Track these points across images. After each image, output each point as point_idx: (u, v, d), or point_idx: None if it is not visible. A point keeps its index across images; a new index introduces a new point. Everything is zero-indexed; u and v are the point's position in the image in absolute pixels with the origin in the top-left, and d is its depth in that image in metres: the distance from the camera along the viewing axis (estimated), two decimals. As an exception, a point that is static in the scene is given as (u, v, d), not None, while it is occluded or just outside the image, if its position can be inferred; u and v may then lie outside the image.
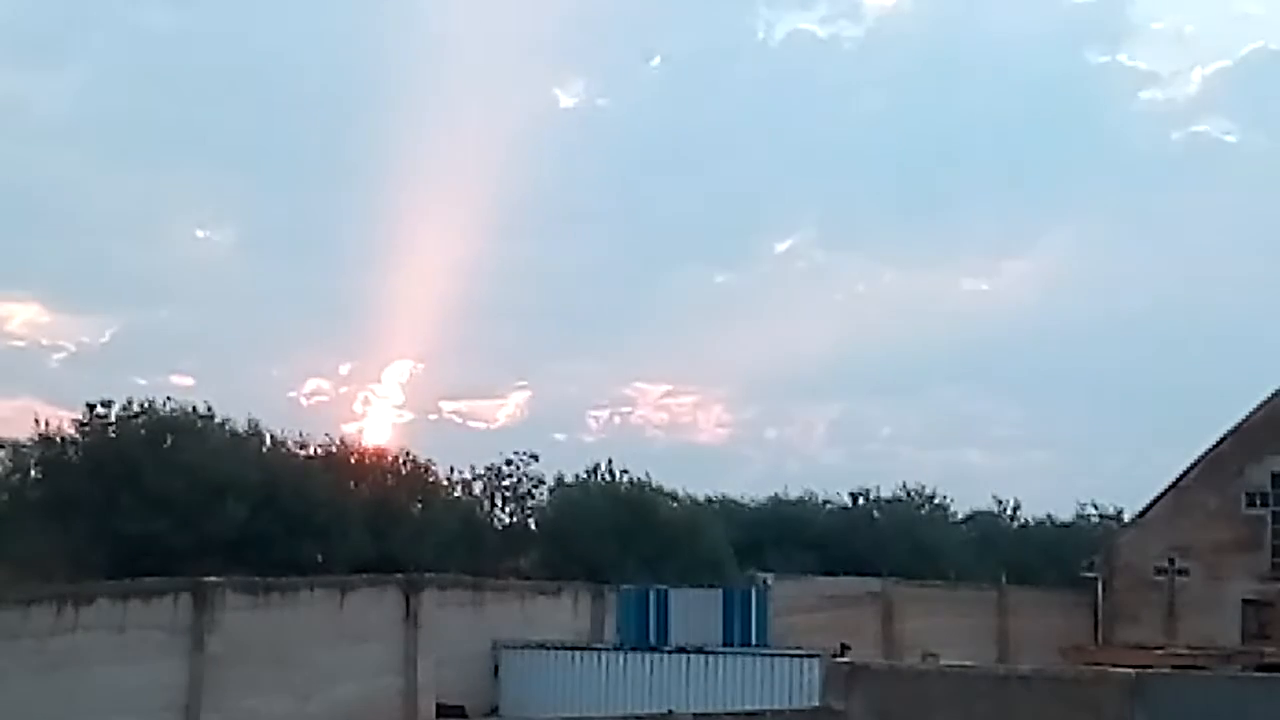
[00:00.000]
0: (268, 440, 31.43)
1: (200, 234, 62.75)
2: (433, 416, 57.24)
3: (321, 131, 59.31)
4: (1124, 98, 73.56)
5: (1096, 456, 64.33)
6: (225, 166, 59.36)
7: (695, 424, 67.54)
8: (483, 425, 60.37)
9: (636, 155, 66.10)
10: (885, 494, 46.22)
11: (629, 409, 65.35)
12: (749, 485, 60.35)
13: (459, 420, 59.30)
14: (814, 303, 68.64)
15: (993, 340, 65.01)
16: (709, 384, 68.19)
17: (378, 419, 55.34)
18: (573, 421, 63.87)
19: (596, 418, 63.18)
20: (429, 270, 58.51)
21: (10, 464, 28.43)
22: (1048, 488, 65.50)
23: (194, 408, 30.14)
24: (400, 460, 33.36)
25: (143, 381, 53.37)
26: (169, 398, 30.15)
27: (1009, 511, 49.44)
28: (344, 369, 63.18)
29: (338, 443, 33.03)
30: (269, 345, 59.92)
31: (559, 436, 55.79)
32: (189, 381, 52.15)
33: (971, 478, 60.77)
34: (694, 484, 39.76)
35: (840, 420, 68.83)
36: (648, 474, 37.54)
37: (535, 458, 36.10)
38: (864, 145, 68.02)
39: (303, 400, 56.19)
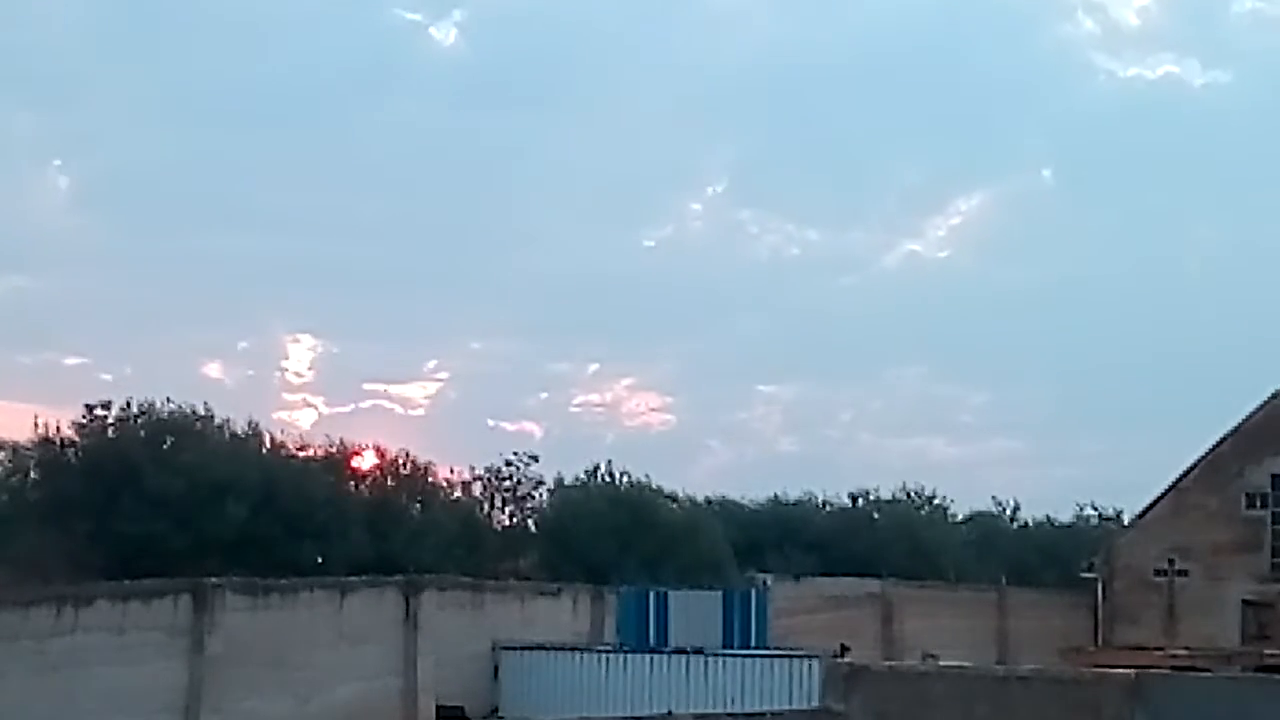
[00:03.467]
0: (267, 441, 31.45)
1: (32, 182, 55.35)
2: (367, 404, 54.45)
3: (162, 63, 52.08)
4: (1053, 22, 69.69)
5: (1070, 442, 63.11)
6: (44, 103, 52.21)
7: (642, 409, 63.83)
8: (420, 411, 57.55)
9: (526, 95, 59.42)
10: (885, 495, 46.27)
11: (573, 390, 62.03)
12: (714, 475, 59.14)
13: (401, 410, 56.55)
14: (740, 269, 64.03)
15: (944, 312, 62.64)
16: (645, 361, 63.89)
17: (306, 405, 53.25)
18: (509, 407, 61.30)
19: (539, 400, 60.61)
20: (308, 230, 53.44)
21: (10, 465, 28.44)
22: (1023, 477, 64.34)
23: (193, 409, 30.17)
24: (399, 461, 33.34)
25: (27, 361, 49.79)
26: (169, 398, 30.18)
27: (1009, 512, 49.49)
28: (242, 345, 58.50)
29: (337, 443, 33.08)
30: (148, 319, 53.20)
31: (507, 427, 53.57)
32: (85, 362, 49.61)
33: (940, 467, 59.71)
34: (653, 475, 38.51)
35: (795, 405, 65.01)
36: (647, 475, 37.62)
37: (535, 458, 36.19)
38: (758, 80, 62.62)
39: (227, 383, 52.53)
